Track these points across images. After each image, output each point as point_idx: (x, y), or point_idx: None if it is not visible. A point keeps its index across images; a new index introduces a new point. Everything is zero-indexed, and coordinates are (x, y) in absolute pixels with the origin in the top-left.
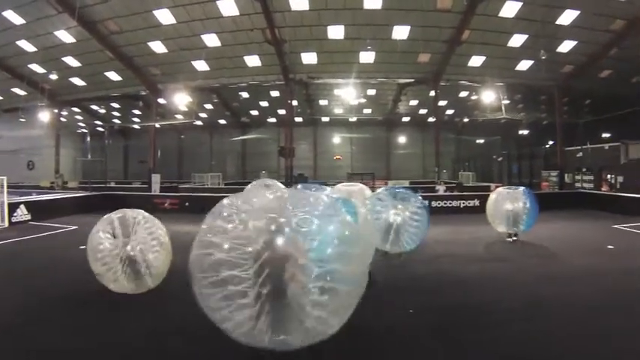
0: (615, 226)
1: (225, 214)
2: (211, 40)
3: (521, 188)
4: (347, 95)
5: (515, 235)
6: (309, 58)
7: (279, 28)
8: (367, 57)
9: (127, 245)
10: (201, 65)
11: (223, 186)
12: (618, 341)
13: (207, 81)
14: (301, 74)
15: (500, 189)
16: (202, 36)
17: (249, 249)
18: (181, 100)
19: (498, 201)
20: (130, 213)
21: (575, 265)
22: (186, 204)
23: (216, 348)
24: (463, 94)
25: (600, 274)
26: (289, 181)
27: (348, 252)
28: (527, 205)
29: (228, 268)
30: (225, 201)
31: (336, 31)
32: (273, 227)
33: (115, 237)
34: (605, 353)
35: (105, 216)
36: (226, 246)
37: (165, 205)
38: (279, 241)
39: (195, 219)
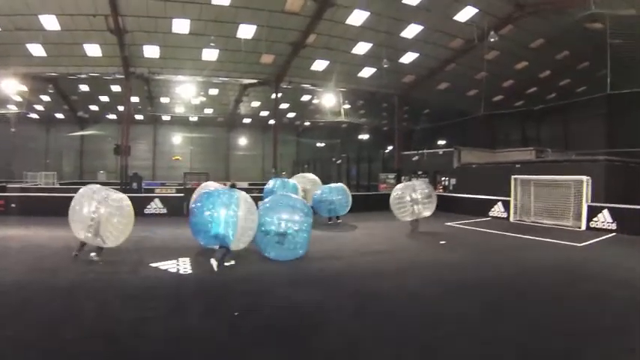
0: (448, 224)
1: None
2: (50, 22)
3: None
4: (188, 93)
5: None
6: (151, 51)
7: (123, 16)
8: (211, 54)
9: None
10: (37, 50)
11: (58, 186)
12: (441, 328)
13: (43, 68)
14: (142, 68)
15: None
16: (40, 16)
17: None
18: (13, 87)
19: None
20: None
21: (407, 259)
22: (13, 205)
23: None
24: (305, 97)
25: (429, 266)
26: (124, 181)
27: None
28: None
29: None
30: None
31: (181, 25)
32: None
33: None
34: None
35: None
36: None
37: None
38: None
39: (23, 222)
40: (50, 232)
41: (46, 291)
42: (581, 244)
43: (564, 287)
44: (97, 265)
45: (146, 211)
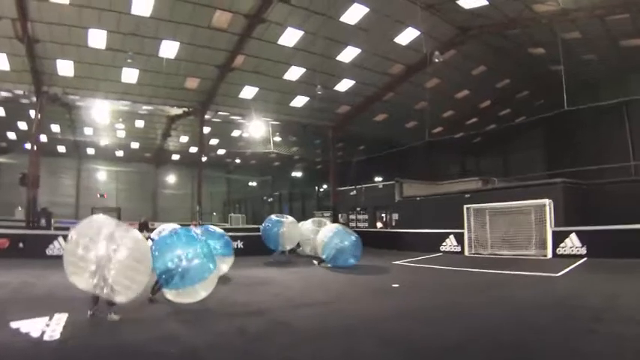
0: (396, 262)
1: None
2: None
3: None
4: (106, 120)
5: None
6: (65, 68)
7: (33, 22)
8: (130, 76)
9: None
10: None
11: None
12: None
13: None
14: (57, 88)
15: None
16: None
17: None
18: None
19: None
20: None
21: (355, 311)
22: None
23: None
24: (236, 133)
25: (385, 319)
26: (32, 219)
27: None
28: None
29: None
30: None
31: (97, 38)
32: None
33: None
34: None
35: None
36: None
37: None
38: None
39: None
40: None
41: None
42: (558, 274)
43: (580, 333)
44: None
45: (48, 251)
